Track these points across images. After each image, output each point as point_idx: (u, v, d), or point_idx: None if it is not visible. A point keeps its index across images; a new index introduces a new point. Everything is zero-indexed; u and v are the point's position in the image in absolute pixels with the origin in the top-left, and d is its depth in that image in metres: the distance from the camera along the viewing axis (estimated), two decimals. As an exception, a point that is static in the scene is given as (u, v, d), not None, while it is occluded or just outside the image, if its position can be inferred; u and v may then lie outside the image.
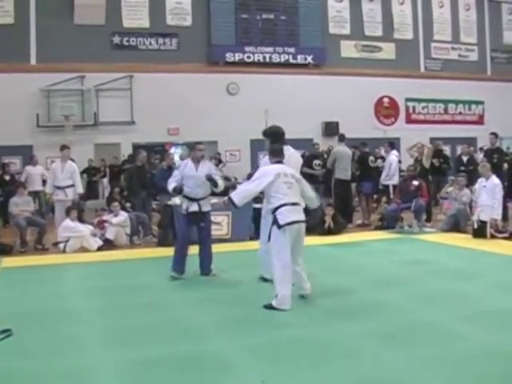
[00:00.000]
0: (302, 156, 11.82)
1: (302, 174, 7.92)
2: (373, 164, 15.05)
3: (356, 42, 23.09)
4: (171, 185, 8.48)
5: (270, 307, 6.47)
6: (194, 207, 8.43)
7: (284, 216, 6.59)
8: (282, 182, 6.75)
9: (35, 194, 14.53)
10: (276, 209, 6.66)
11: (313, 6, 22.23)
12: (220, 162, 19.88)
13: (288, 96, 20.79)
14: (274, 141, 7.78)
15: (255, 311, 6.49)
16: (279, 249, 6.56)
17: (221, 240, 11.54)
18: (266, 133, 8.13)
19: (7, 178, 15.76)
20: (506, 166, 14.87)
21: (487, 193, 11.61)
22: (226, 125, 20.24)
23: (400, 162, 17.67)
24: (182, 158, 14.95)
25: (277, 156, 7.18)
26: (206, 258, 8.61)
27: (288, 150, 7.73)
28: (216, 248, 8.80)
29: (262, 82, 20.95)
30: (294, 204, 6.72)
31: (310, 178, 13.95)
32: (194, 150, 8.73)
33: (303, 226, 6.84)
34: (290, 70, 21.67)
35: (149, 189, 12.96)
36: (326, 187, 14.08)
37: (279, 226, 6.57)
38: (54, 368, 4.86)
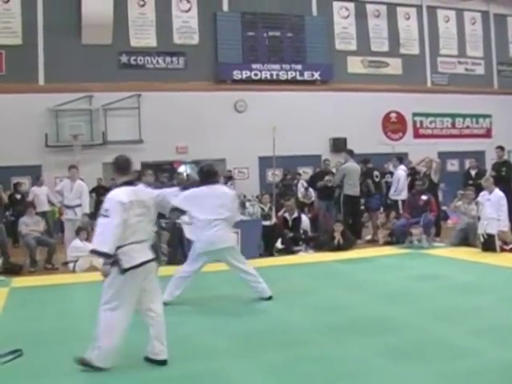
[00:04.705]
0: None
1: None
2: (378, 179, 15.04)
3: (363, 58, 23.15)
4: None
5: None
6: None
7: (129, 257, 5.15)
8: (134, 215, 5.22)
9: (42, 215, 14.55)
10: (119, 248, 5.11)
11: (319, 23, 22.36)
12: (229, 179, 19.88)
13: (296, 113, 20.79)
14: (202, 180, 7.75)
15: (262, 329, 6.48)
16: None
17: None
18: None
19: (18, 197, 15.79)
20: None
21: (492, 206, 11.60)
22: (234, 142, 20.30)
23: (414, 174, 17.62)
24: (188, 177, 14.97)
25: (125, 173, 5.62)
26: None
27: None
28: (225, 265, 8.75)
29: (269, 99, 20.99)
30: (141, 242, 5.31)
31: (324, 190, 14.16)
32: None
33: (153, 264, 5.47)
34: (298, 87, 21.72)
35: None
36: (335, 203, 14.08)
37: (122, 271, 5.11)
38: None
